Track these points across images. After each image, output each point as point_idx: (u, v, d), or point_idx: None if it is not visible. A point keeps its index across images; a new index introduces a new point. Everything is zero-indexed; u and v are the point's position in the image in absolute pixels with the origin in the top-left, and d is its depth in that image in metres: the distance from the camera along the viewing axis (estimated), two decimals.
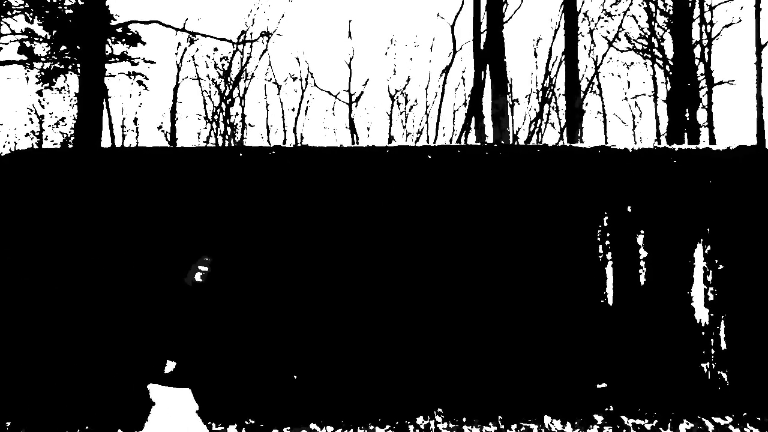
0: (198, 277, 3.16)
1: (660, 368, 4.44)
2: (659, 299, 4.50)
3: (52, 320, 4.34)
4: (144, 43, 15.42)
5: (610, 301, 4.49)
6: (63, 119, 26.54)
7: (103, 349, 4.34)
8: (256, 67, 28.12)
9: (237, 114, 28.96)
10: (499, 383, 4.42)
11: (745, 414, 4.37)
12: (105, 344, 4.34)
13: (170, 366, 2.98)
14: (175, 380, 2.99)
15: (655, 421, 4.29)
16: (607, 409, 4.40)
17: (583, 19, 22.51)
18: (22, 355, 4.30)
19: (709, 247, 4.54)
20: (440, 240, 4.52)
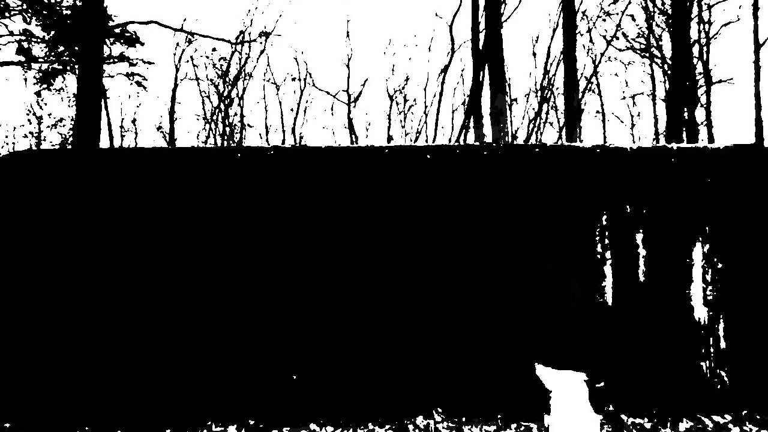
0: None
1: (659, 367, 4.45)
2: (658, 298, 4.50)
3: (51, 321, 4.34)
4: (142, 44, 15.40)
5: (609, 300, 4.50)
6: (61, 120, 26.49)
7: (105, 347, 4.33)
8: (255, 67, 28.13)
9: (236, 114, 28.95)
10: (498, 382, 4.42)
11: (744, 412, 4.38)
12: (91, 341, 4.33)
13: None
14: (567, 363, 2.54)
15: (655, 419, 4.30)
16: (606, 408, 4.41)
17: (582, 19, 22.52)
18: (14, 357, 4.30)
19: (708, 246, 4.55)
20: (440, 239, 4.52)
